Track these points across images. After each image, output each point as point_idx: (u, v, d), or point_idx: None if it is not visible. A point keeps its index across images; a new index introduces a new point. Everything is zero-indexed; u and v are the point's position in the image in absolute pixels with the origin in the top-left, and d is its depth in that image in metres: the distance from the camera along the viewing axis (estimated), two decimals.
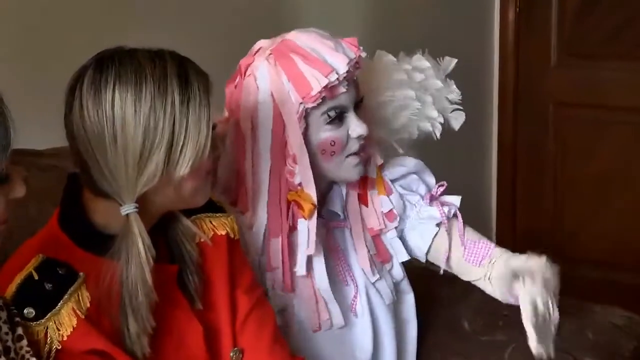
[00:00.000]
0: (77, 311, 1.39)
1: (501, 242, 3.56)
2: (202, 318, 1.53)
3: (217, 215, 1.61)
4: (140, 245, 1.40)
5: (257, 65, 1.74)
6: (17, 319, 1.35)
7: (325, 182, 1.80)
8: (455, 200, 1.91)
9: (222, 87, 1.77)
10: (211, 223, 1.60)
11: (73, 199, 1.47)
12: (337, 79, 1.70)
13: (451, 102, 1.97)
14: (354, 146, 1.75)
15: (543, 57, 3.52)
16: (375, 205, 1.85)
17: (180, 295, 1.52)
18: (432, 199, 1.90)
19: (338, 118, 1.73)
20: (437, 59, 1.98)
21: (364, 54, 1.75)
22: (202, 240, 1.56)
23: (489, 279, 1.85)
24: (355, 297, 1.83)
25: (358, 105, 1.77)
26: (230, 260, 1.60)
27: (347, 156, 1.75)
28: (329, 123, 1.73)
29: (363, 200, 1.85)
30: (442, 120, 1.95)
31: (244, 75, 1.76)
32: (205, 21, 2.53)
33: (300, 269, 1.76)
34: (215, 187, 1.69)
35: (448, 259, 1.89)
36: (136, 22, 2.31)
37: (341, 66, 1.71)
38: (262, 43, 1.79)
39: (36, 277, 1.38)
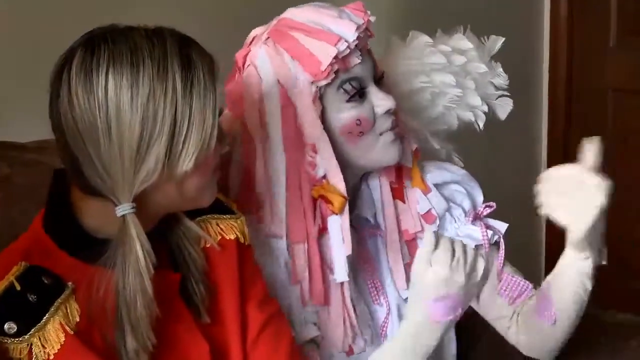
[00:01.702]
0: (65, 326, 1.39)
1: (551, 251, 3.55)
2: (208, 333, 1.54)
3: (225, 217, 1.62)
4: (138, 250, 1.40)
5: (255, 53, 1.75)
6: None
7: (353, 180, 1.79)
8: (502, 227, 1.90)
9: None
10: (218, 226, 1.60)
11: (60, 198, 1.47)
12: (348, 47, 1.70)
13: (497, 88, 1.97)
14: (384, 123, 1.74)
15: (600, 38, 3.50)
16: (410, 201, 1.85)
17: (183, 307, 1.52)
18: (476, 218, 1.89)
19: (359, 94, 1.73)
20: (481, 38, 1.97)
21: (372, 18, 1.75)
22: (208, 245, 1.57)
23: (516, 320, 1.86)
24: (386, 318, 1.83)
25: (379, 82, 1.76)
26: (240, 267, 1.60)
27: (380, 134, 1.75)
28: (349, 100, 1.73)
29: (398, 194, 1.84)
30: (486, 109, 1.95)
31: (243, 68, 1.76)
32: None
33: (340, 274, 1.74)
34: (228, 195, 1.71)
35: None
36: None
37: (349, 33, 1.70)
38: (256, 31, 1.80)
39: (18, 288, 1.38)
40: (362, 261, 1.82)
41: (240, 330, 1.58)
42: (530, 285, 1.88)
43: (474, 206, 1.91)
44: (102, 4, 2.18)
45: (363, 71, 1.73)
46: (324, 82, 1.71)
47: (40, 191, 1.52)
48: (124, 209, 1.41)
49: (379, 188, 1.84)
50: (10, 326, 1.37)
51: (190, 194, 1.46)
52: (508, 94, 1.97)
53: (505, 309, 1.87)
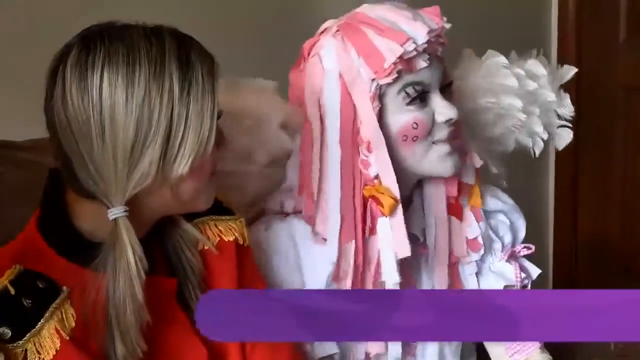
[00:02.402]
0: (61, 331, 1.39)
1: (559, 253, 3.55)
2: (207, 340, 1.53)
3: (223, 218, 1.62)
4: (129, 255, 1.40)
5: (322, 44, 1.77)
6: None
7: (405, 190, 1.77)
8: (535, 271, 1.91)
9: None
10: (217, 227, 1.61)
11: (54, 200, 1.47)
12: (416, 49, 1.70)
13: (560, 117, 1.98)
14: (441, 132, 1.74)
15: (610, 33, 3.50)
16: (465, 222, 1.84)
17: (180, 313, 1.52)
18: (512, 256, 1.90)
19: (420, 98, 1.73)
20: (557, 66, 2.00)
21: (447, 25, 1.75)
22: (206, 247, 1.57)
23: None
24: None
25: (445, 90, 1.76)
26: (239, 271, 1.60)
27: (434, 143, 1.74)
28: (409, 103, 1.73)
29: (454, 210, 1.83)
30: (546, 137, 1.96)
31: (308, 57, 1.78)
32: None
33: (390, 275, 1.73)
34: (285, 193, 1.73)
35: None
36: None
37: (420, 35, 1.71)
38: (328, 23, 1.81)
39: (12, 292, 1.38)
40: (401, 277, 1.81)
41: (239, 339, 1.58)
42: (538, 344, 1.89)
43: (514, 241, 1.91)
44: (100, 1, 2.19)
45: (429, 77, 1.73)
46: (385, 81, 1.72)
47: (34, 191, 1.51)
48: (116, 212, 1.40)
49: (435, 200, 1.83)
50: (4, 331, 1.37)
51: (186, 198, 1.45)
52: (570, 125, 1.98)
53: (501, 358, 1.89)
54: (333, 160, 1.74)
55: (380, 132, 1.72)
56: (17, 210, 1.62)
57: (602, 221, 3.60)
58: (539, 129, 1.95)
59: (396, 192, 1.72)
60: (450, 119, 1.73)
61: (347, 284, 1.73)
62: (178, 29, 1.45)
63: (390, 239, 1.73)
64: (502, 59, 1.95)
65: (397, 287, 1.74)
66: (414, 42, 1.70)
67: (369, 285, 1.74)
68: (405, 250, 1.72)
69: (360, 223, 1.74)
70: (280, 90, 1.87)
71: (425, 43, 1.71)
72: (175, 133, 1.39)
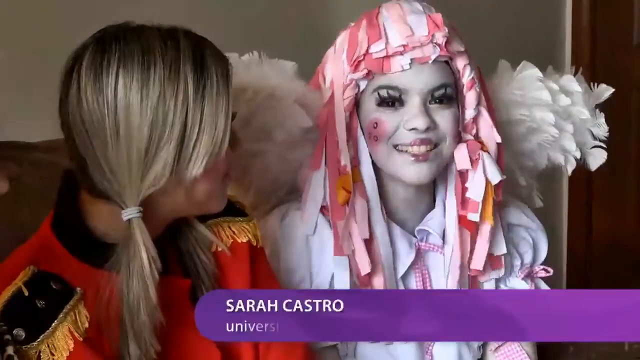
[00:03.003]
0: (74, 332, 1.39)
1: (573, 253, 3.54)
2: (220, 342, 1.53)
3: (237, 219, 1.61)
4: (143, 255, 1.40)
5: (341, 33, 1.81)
6: (7, 336, 1.35)
7: (405, 192, 1.79)
8: None
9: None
10: (230, 229, 1.60)
11: (69, 200, 1.47)
12: (385, 51, 1.71)
13: (594, 137, 1.96)
14: (403, 138, 1.73)
15: (624, 35, 3.48)
16: (482, 237, 1.81)
17: (194, 314, 1.51)
18: (529, 275, 1.89)
19: (392, 103, 1.73)
20: (591, 84, 1.98)
21: (442, 34, 1.72)
22: (219, 249, 1.57)
23: None
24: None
25: (441, 101, 1.74)
26: (252, 272, 1.60)
27: (395, 146, 1.74)
28: (379, 104, 1.74)
29: (464, 222, 1.81)
30: (578, 155, 1.95)
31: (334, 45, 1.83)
32: None
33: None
34: None
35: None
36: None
37: (397, 37, 1.71)
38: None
39: (26, 293, 1.38)
40: (416, 273, 1.82)
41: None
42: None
43: (534, 262, 1.90)
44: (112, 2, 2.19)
45: (409, 82, 1.72)
46: (356, 76, 1.73)
47: (50, 192, 1.51)
48: (130, 213, 1.40)
49: (449, 207, 1.81)
50: (18, 332, 1.36)
51: (199, 200, 1.45)
52: (604, 146, 1.97)
53: None
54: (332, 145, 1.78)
55: (343, 123, 1.75)
56: (33, 210, 1.63)
57: (616, 221, 3.59)
58: (572, 146, 1.94)
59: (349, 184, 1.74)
60: (415, 128, 1.72)
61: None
62: (192, 31, 1.45)
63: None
64: (537, 72, 1.94)
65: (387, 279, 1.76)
66: (387, 43, 1.71)
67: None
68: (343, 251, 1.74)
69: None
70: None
71: (402, 47, 1.71)
72: (190, 134, 1.39)
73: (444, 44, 1.72)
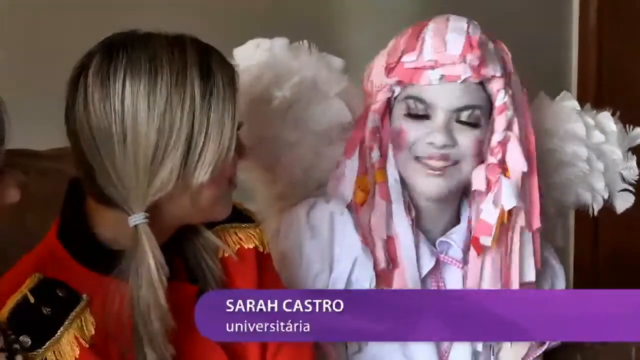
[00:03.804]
0: (81, 339, 1.38)
1: (580, 264, 3.51)
2: (227, 346, 1.53)
3: (243, 225, 1.61)
4: (151, 262, 1.40)
5: None
6: (16, 345, 1.35)
7: (421, 200, 1.79)
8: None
9: None
10: (237, 235, 1.60)
11: (75, 208, 1.47)
12: (417, 62, 1.73)
13: (624, 179, 1.96)
14: (423, 150, 1.74)
15: (633, 43, 3.48)
16: (488, 262, 1.80)
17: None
18: None
19: (418, 114, 1.74)
20: (626, 127, 1.97)
21: (474, 57, 1.73)
22: (226, 255, 1.57)
23: None
24: (449, 345, 1.82)
25: (468, 122, 1.74)
26: (259, 278, 1.60)
27: (415, 157, 1.75)
28: (407, 114, 1.75)
29: (475, 245, 1.81)
30: (606, 196, 1.94)
31: None
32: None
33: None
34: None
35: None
36: (150, 3, 2.32)
37: (429, 52, 1.73)
38: None
39: (32, 300, 1.38)
40: (433, 282, 1.82)
41: (260, 344, 1.57)
42: None
43: None
44: (118, 10, 2.19)
45: (437, 98, 1.73)
46: (389, 81, 1.76)
47: (56, 200, 1.51)
48: (137, 219, 1.41)
49: (466, 224, 1.82)
50: (24, 340, 1.36)
51: (205, 206, 1.45)
52: (633, 190, 1.96)
53: None
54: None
55: (373, 127, 1.78)
56: (40, 218, 1.64)
57: (623, 231, 3.57)
58: (601, 185, 1.93)
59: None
60: (433, 143, 1.73)
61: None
62: (199, 38, 1.45)
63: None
64: (575, 104, 1.94)
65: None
66: (419, 56, 1.73)
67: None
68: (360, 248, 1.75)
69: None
70: None
71: (433, 62, 1.72)
72: (196, 141, 1.40)
73: (476, 66, 1.73)
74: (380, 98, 1.78)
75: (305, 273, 1.76)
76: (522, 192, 1.78)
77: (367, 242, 1.76)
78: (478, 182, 1.77)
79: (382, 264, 1.75)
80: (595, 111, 1.96)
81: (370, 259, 1.76)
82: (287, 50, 1.85)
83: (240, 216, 1.61)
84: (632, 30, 3.47)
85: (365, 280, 1.76)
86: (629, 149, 1.97)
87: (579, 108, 1.94)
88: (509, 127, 1.77)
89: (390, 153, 1.79)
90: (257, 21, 2.53)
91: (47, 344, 1.37)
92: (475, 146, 1.75)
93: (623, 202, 1.97)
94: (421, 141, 1.74)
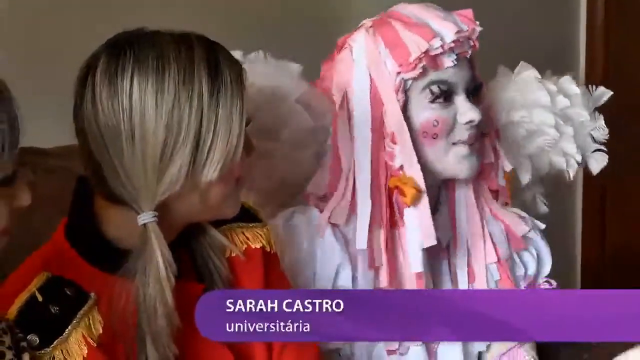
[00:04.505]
0: (88, 338, 1.38)
1: (587, 265, 3.50)
2: (233, 345, 1.53)
3: (250, 225, 1.61)
4: (159, 260, 1.40)
5: (355, 37, 1.80)
6: (23, 344, 1.35)
7: (430, 190, 1.78)
8: None
9: None
10: (244, 234, 1.60)
11: (83, 206, 1.47)
12: (442, 46, 1.72)
13: (595, 140, 1.97)
14: (461, 133, 1.75)
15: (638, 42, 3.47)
16: (494, 231, 1.83)
17: None
18: (531, 286, 1.89)
19: (444, 97, 1.75)
20: (589, 87, 1.98)
21: (478, 29, 1.76)
22: (233, 254, 1.57)
23: None
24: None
25: (473, 93, 1.77)
26: (266, 277, 1.60)
27: (453, 143, 1.76)
28: (432, 101, 1.75)
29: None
30: (579, 159, 1.95)
31: (341, 49, 1.82)
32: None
33: (415, 264, 1.75)
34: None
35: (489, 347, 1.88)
36: (151, 3, 2.32)
37: (448, 34, 1.73)
38: (365, 20, 1.84)
39: (40, 299, 1.38)
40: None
41: (266, 343, 1.58)
42: None
43: (537, 275, 1.90)
44: (119, 10, 2.20)
45: (456, 77, 1.75)
46: (409, 75, 1.74)
47: (64, 198, 1.52)
48: (146, 217, 1.41)
49: (468, 206, 1.83)
50: (32, 338, 1.36)
51: (213, 204, 1.45)
52: (605, 149, 1.96)
53: None
54: (361, 150, 1.76)
55: (404, 124, 1.75)
56: (47, 217, 1.62)
57: (631, 233, 3.57)
58: (572, 149, 1.94)
59: (420, 182, 1.74)
60: (472, 121, 1.74)
61: (383, 274, 1.75)
62: (205, 36, 1.45)
63: (416, 229, 1.75)
64: (534, 72, 1.95)
65: (424, 277, 1.76)
66: (441, 40, 1.72)
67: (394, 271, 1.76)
68: (431, 240, 1.74)
69: (386, 214, 1.76)
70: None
71: (453, 42, 1.73)
72: (205, 139, 1.40)
73: (475, 38, 1.76)
74: (401, 97, 1.75)
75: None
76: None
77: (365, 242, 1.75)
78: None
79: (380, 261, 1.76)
80: (556, 77, 1.97)
81: (350, 263, 1.76)
82: (241, 62, 1.86)
83: (247, 215, 1.61)
84: (639, 26, 3.46)
85: (348, 285, 1.76)
86: (595, 109, 1.97)
87: (539, 76, 1.94)
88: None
89: (421, 146, 1.76)
90: (258, 21, 2.53)
91: (55, 342, 1.37)
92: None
93: (597, 163, 1.98)
94: (457, 124, 1.75)
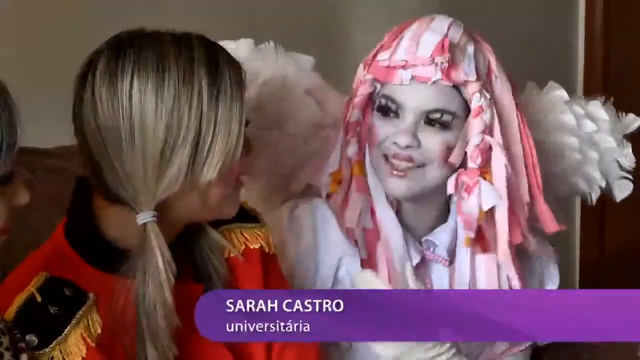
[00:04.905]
0: (87, 338, 1.38)
1: (585, 265, 3.50)
2: (232, 345, 1.53)
3: (249, 225, 1.61)
4: (159, 260, 1.40)
5: None
6: (22, 344, 1.35)
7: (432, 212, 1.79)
8: None
9: None
10: (243, 235, 1.60)
11: (82, 206, 1.47)
12: (388, 62, 1.73)
13: (621, 168, 1.95)
14: (387, 148, 1.74)
15: (638, 48, 3.47)
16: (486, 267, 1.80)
17: None
18: None
19: (390, 112, 1.74)
20: (619, 114, 1.95)
21: (443, 60, 1.71)
22: (232, 255, 1.57)
23: None
24: None
25: (430, 122, 1.73)
26: (265, 278, 1.60)
27: (383, 155, 1.75)
28: (377, 110, 1.76)
29: (481, 242, 1.80)
30: (603, 185, 1.94)
31: None
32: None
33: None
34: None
35: None
36: (151, 3, 2.32)
37: (399, 53, 1.73)
38: None
39: (39, 299, 1.37)
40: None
41: (265, 343, 1.58)
42: None
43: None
44: (119, 9, 2.20)
45: (407, 98, 1.73)
46: (367, 77, 1.76)
47: (63, 198, 1.51)
48: (145, 217, 1.41)
49: (454, 224, 1.81)
50: (31, 338, 1.36)
51: (213, 204, 1.45)
52: (631, 177, 1.94)
53: None
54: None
55: (356, 119, 1.78)
56: (46, 217, 1.63)
57: (629, 233, 3.57)
58: (596, 175, 1.92)
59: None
60: (397, 143, 1.73)
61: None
62: (206, 36, 1.45)
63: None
64: (563, 93, 1.93)
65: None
66: (391, 54, 1.73)
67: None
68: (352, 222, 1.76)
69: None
70: None
71: (403, 61, 1.72)
72: (204, 139, 1.40)
73: (444, 69, 1.71)
74: (361, 92, 1.78)
75: (291, 273, 1.75)
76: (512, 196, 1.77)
77: (350, 235, 1.77)
78: (450, 186, 1.76)
79: (361, 254, 1.77)
80: (584, 100, 1.95)
81: (356, 255, 1.77)
82: (252, 52, 1.86)
83: (246, 216, 1.61)
84: (638, 29, 3.46)
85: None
86: (624, 136, 1.95)
87: (567, 98, 1.93)
88: (489, 132, 1.75)
89: (367, 148, 1.79)
90: (259, 21, 2.54)
91: (54, 343, 1.37)
92: (442, 150, 1.73)
93: (621, 190, 1.96)
94: (389, 140, 1.74)
